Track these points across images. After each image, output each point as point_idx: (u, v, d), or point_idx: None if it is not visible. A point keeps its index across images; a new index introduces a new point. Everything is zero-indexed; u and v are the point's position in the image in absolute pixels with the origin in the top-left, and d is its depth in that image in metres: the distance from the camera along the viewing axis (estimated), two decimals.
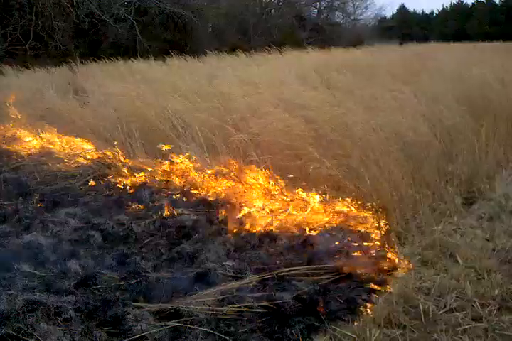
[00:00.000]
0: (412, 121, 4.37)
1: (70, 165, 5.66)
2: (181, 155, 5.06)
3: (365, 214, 3.63)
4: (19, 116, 7.68)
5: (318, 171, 4.00)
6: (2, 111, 8.22)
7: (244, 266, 3.21)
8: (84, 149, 6.15)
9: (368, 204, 3.68)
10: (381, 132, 4.13)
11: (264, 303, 2.77)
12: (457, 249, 3.29)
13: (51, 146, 6.56)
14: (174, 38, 23.21)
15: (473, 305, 2.67)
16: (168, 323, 2.62)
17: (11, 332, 2.47)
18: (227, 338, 2.51)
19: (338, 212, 3.80)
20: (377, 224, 3.52)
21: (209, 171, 4.84)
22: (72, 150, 6.25)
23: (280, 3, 32.73)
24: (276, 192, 4.20)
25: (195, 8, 24.04)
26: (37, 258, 3.42)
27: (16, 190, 5.00)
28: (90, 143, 6.20)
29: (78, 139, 6.32)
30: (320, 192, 4.04)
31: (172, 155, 5.06)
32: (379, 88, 6.22)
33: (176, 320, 2.64)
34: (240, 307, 2.75)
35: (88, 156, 5.92)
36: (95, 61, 14.51)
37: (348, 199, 3.82)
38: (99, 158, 5.77)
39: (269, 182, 4.27)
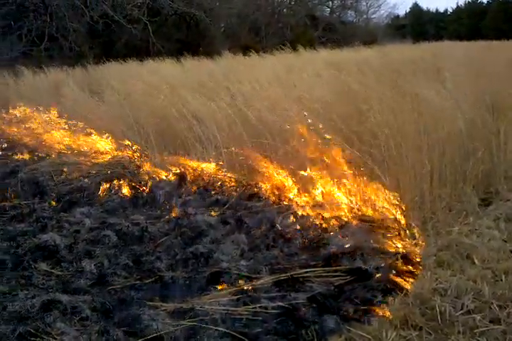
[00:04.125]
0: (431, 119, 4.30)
1: (86, 164, 5.70)
2: (195, 156, 5.09)
3: (384, 215, 3.60)
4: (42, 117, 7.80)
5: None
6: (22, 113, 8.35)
7: (259, 266, 3.22)
8: (101, 149, 6.20)
9: (387, 203, 3.64)
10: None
11: (279, 304, 2.77)
12: (474, 250, 3.25)
13: (68, 146, 6.63)
14: (187, 39, 23.29)
15: (490, 307, 2.64)
16: (183, 323, 2.63)
17: (29, 329, 2.51)
18: (243, 338, 2.51)
19: (356, 212, 3.78)
20: (395, 224, 3.49)
21: (224, 172, 4.86)
22: (88, 149, 6.31)
23: (292, 3, 32.66)
24: (292, 194, 4.19)
25: (208, 8, 24.07)
26: (53, 257, 3.47)
27: (33, 189, 5.06)
28: (106, 143, 6.25)
29: (95, 139, 6.37)
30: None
31: (187, 156, 5.08)
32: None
33: (191, 320, 2.65)
34: (254, 307, 2.75)
35: (104, 156, 5.97)
36: (109, 61, 14.62)
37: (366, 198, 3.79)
38: (114, 157, 5.82)
39: (286, 181, 4.26)
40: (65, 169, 5.60)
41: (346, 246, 3.31)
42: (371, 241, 3.35)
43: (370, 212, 3.72)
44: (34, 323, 2.58)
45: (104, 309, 2.78)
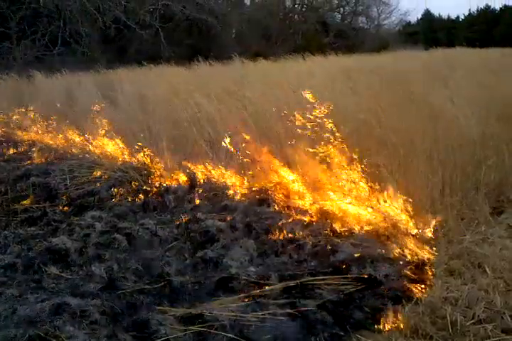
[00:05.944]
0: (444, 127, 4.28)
1: (97, 168, 5.74)
2: (206, 160, 5.10)
3: (394, 223, 3.57)
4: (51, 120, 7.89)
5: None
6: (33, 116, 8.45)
7: (268, 272, 3.21)
8: (112, 153, 6.24)
9: (398, 211, 3.61)
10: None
11: (288, 311, 2.76)
12: (485, 259, 3.21)
13: (79, 150, 6.69)
14: (198, 44, 23.41)
15: (502, 317, 2.60)
16: (192, 328, 2.62)
17: (39, 333, 2.52)
18: None
19: (366, 220, 3.76)
20: (406, 232, 3.46)
21: (234, 177, 4.86)
22: (100, 153, 6.35)
23: (303, 9, 32.77)
24: (302, 201, 4.18)
25: (220, 13, 24.22)
26: (64, 261, 3.49)
27: (44, 193, 5.10)
28: (118, 147, 6.28)
29: (107, 143, 6.41)
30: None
31: (198, 161, 5.09)
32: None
33: (200, 325, 2.64)
34: (263, 314, 2.74)
35: (115, 160, 6.00)
36: (121, 66, 14.73)
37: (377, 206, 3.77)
38: (126, 162, 5.85)
39: (296, 188, 4.25)
40: (76, 173, 5.64)
41: (356, 253, 3.29)
42: (381, 249, 3.33)
43: (380, 220, 3.70)
44: (44, 326, 2.59)
45: (113, 313, 2.79)
